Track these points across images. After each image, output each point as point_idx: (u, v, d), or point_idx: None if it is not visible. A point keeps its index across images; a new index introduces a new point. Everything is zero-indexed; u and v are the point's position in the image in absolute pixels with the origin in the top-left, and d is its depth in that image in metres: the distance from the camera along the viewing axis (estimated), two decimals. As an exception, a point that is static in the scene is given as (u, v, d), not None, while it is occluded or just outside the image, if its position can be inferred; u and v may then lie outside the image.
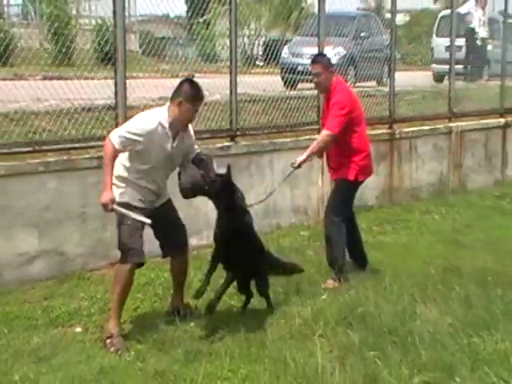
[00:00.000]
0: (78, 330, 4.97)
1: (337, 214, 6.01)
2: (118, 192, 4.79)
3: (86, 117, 7.03)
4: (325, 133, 5.89)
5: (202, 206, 7.20)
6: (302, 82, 9.20)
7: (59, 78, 7.69)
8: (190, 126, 5.09)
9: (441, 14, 15.43)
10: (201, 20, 9.84)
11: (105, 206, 4.70)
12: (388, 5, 11.30)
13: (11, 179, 5.84)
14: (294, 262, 5.95)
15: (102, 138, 6.08)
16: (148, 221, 4.83)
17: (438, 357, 4.31)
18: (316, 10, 9.33)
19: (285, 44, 10.14)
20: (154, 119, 4.80)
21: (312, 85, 6.44)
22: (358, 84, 11.54)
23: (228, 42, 8.30)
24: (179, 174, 5.01)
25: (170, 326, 5.04)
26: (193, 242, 7.07)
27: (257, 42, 11.35)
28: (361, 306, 5.13)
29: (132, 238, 4.81)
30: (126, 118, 6.86)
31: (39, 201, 5.97)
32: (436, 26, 15.24)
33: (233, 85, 7.91)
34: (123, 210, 4.76)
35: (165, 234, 5.12)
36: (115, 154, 4.75)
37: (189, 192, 4.94)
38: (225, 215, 5.06)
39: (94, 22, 9.87)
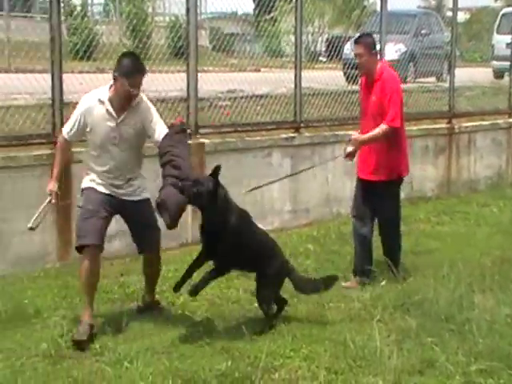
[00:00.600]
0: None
1: (396, 222, 5.68)
2: (86, 180, 4.74)
3: (159, 107, 7.12)
4: (385, 127, 5.29)
5: (266, 191, 7.25)
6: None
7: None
8: (149, 102, 4.74)
9: (502, 12, 15.01)
10: (267, 17, 9.82)
11: (50, 195, 4.67)
12: (448, 3, 11.03)
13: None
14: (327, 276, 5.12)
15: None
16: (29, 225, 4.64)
17: (496, 346, 4.18)
18: (378, 8, 9.21)
19: (347, 41, 10.00)
20: (92, 97, 4.60)
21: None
22: (417, 80, 11.34)
23: (293, 39, 8.26)
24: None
25: (236, 305, 5.08)
26: (258, 226, 7.15)
27: (320, 38, 11.25)
28: (419, 293, 5.03)
29: (83, 222, 4.59)
30: (197, 109, 6.97)
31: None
32: (497, 23, 14.82)
33: (297, 79, 7.92)
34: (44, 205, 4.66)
35: (137, 232, 4.81)
36: (65, 144, 4.74)
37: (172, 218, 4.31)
38: (204, 217, 4.56)
39: (168, 19, 10.00)
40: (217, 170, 4.46)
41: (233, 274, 5.63)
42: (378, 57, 5.52)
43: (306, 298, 5.06)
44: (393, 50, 9.60)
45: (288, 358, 4.23)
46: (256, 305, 4.85)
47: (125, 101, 4.52)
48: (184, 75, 6.96)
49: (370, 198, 5.54)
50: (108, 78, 6.92)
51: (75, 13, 8.68)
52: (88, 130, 4.60)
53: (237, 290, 5.41)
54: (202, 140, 6.90)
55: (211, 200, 4.41)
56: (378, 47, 5.58)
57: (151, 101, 7.16)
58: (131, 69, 4.47)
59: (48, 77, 5.94)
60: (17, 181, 5.62)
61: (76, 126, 4.61)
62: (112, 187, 4.67)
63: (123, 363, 4.05)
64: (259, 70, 9.72)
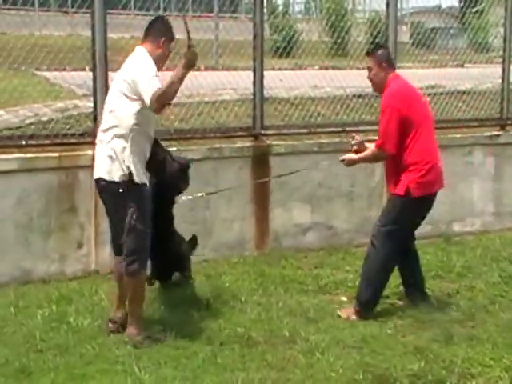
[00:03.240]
0: (343, 299, 5.08)
1: (386, 240, 4.69)
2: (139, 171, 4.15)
3: (356, 103, 7.17)
4: (374, 150, 4.72)
5: (466, 193, 6.93)
6: None
7: (334, 68, 7.95)
8: None
9: None
10: (473, 10, 9.36)
11: None
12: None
13: (290, 157, 6.18)
14: None
15: (371, 123, 6.16)
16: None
17: None
18: None
19: None
20: (146, 57, 4.14)
21: None
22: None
23: (502, 31, 7.78)
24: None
25: (429, 305, 4.92)
26: (455, 228, 6.87)
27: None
28: None
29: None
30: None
31: (313, 178, 6.23)
32: None
33: (505, 74, 7.51)
34: None
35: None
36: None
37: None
38: None
39: (367, 15, 9.98)
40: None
41: (428, 274, 5.51)
42: (391, 70, 4.74)
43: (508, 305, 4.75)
44: None
45: (487, 367, 3.99)
46: (452, 307, 4.66)
47: (163, 64, 4.30)
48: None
49: None
50: (307, 73, 7.18)
51: (277, 11, 8.99)
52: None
53: (432, 291, 5.22)
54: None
55: None
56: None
57: (348, 96, 7.28)
58: (173, 33, 4.30)
59: (250, 73, 6.21)
60: (219, 171, 5.96)
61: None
62: None
63: (315, 353, 4.10)
64: (462, 66, 9.30)
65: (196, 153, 5.83)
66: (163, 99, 3.95)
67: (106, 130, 4.19)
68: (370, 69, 4.75)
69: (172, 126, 6.10)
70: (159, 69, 4.17)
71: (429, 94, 7.89)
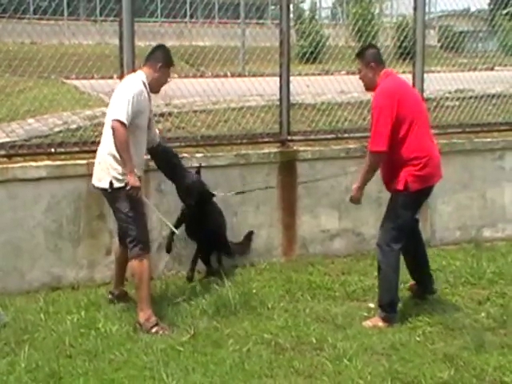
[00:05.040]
0: (371, 305, 5.03)
1: (392, 240, 4.76)
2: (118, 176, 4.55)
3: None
4: (369, 154, 4.72)
5: (497, 198, 6.84)
6: None
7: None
8: None
9: None
10: (504, 12, 9.27)
11: (136, 190, 4.48)
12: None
13: (318, 163, 6.17)
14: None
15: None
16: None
17: None
18: None
19: None
20: (137, 81, 4.60)
21: None
22: None
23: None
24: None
25: (459, 312, 4.88)
26: (486, 233, 6.78)
27: None
28: None
29: (144, 229, 4.70)
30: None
31: (341, 183, 6.21)
32: None
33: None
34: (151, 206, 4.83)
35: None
36: (127, 132, 4.44)
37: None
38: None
39: (394, 19, 9.94)
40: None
41: (458, 280, 5.45)
42: (380, 68, 4.78)
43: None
44: None
45: (520, 376, 3.93)
46: (482, 314, 4.58)
47: (159, 88, 4.79)
48: (409, 76, 6.82)
49: None
50: (334, 80, 7.16)
51: (304, 17, 9.01)
52: (141, 109, 4.55)
53: (462, 298, 5.19)
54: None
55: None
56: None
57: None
58: (172, 61, 4.80)
59: (277, 79, 6.23)
60: (246, 177, 5.97)
61: (135, 111, 4.48)
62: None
63: (343, 360, 4.09)
64: (492, 69, 9.20)
65: (223, 159, 5.86)
66: (115, 139, 4.43)
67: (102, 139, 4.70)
68: (359, 70, 4.87)
69: (199, 133, 6.14)
70: (154, 90, 4.73)
71: (458, 98, 7.83)
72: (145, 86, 4.60)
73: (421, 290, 5.14)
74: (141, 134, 4.63)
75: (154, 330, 4.49)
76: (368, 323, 4.74)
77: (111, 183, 4.52)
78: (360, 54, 4.88)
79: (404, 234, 4.80)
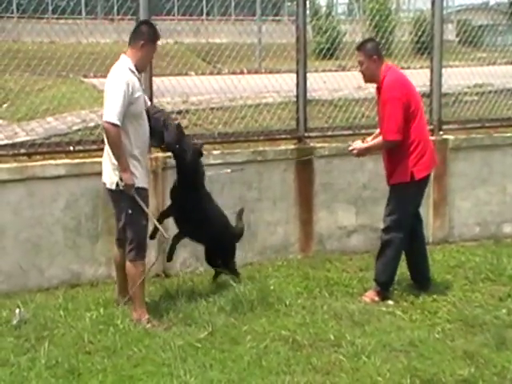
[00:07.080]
0: (390, 302, 4.99)
1: (397, 229, 4.96)
2: (136, 175, 4.50)
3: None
4: (382, 141, 4.94)
5: (516, 192, 6.77)
6: None
7: (377, 68, 7.83)
8: None
9: None
10: (523, 5, 9.15)
11: (129, 188, 4.43)
12: None
13: (334, 159, 6.13)
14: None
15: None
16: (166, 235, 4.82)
17: None
18: None
19: None
20: (123, 71, 4.44)
21: None
22: None
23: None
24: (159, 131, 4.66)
25: (479, 309, 4.82)
26: (506, 229, 6.71)
27: None
28: None
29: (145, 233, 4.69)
30: (441, 105, 6.73)
31: (358, 180, 6.17)
32: None
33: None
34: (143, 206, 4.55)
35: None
36: (120, 132, 4.38)
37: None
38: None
39: (411, 14, 9.85)
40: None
41: (478, 276, 5.40)
42: (381, 61, 4.93)
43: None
44: None
45: (542, 374, 3.87)
46: (503, 311, 4.54)
47: (146, 66, 4.72)
48: (427, 71, 6.77)
49: None
50: (351, 75, 7.11)
51: (320, 13, 8.95)
52: (134, 101, 4.47)
53: (482, 294, 5.13)
54: (445, 136, 6.65)
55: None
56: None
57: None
58: (156, 35, 4.63)
59: (294, 76, 6.20)
60: (263, 174, 5.95)
61: (128, 104, 4.41)
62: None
63: (361, 357, 4.06)
64: (512, 63, 9.09)
65: (240, 156, 5.85)
66: (107, 140, 4.42)
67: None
68: (361, 63, 4.96)
69: (216, 130, 6.13)
70: (143, 69, 4.66)
71: (476, 93, 7.74)
72: (132, 71, 4.49)
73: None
74: (139, 119, 4.53)
75: (148, 326, 4.53)
76: (365, 298, 5.03)
77: (117, 184, 4.49)
78: (361, 47, 4.99)
79: (409, 222, 5.03)
